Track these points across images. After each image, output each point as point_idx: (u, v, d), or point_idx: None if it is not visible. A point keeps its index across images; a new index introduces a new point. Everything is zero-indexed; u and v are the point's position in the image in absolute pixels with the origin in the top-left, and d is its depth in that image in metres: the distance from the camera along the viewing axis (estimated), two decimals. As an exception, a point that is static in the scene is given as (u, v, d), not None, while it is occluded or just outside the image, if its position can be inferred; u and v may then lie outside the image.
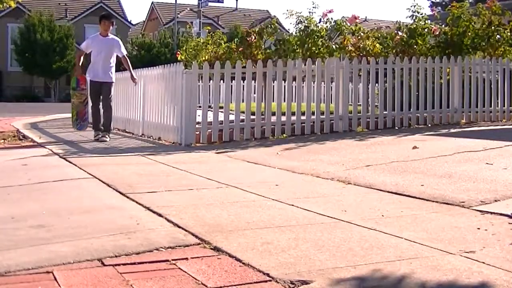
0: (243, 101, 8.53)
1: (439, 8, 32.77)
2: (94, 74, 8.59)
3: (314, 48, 9.83)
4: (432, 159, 5.58)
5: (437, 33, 10.31)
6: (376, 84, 9.43)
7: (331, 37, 10.47)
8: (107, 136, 8.60)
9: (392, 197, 4.09)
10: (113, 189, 4.54)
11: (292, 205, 3.87)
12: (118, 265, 2.64)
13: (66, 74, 38.04)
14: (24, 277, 2.51)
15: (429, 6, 40.64)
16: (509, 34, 10.35)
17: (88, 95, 8.85)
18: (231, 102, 8.63)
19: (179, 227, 3.30)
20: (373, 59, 9.16)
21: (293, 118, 8.50)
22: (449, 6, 10.67)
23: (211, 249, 2.87)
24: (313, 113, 8.62)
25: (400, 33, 10.23)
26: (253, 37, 10.18)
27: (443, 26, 10.74)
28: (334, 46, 9.97)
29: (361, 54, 9.69)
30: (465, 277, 2.39)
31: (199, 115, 7.98)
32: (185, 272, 2.54)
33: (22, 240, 3.05)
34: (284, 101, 9.24)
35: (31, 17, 36.29)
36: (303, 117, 8.55)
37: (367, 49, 9.78)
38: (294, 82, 8.87)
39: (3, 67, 39.09)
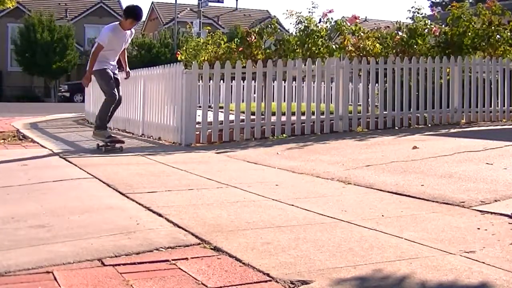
0: (243, 101, 8.53)
1: (439, 8, 32.81)
2: (110, 68, 7.21)
3: (314, 48, 9.83)
4: (432, 159, 5.58)
5: (437, 33, 10.31)
6: (376, 84, 9.43)
7: (331, 37, 10.48)
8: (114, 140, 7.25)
9: (392, 197, 4.09)
10: (113, 189, 4.54)
11: (292, 205, 3.87)
12: (118, 265, 2.64)
13: (66, 74, 38.07)
14: (24, 277, 2.51)
15: (429, 6, 40.71)
16: (509, 34, 10.36)
17: (107, 85, 7.04)
18: (231, 102, 8.63)
19: (179, 227, 3.30)
20: (373, 59, 9.16)
21: (293, 118, 8.50)
22: (449, 6, 10.68)
23: (211, 249, 2.87)
24: (313, 113, 8.62)
25: (400, 33, 10.24)
26: (253, 37, 10.19)
27: (443, 26, 10.74)
28: (334, 46, 9.97)
29: (361, 54, 9.70)
30: (465, 277, 2.39)
31: (199, 115, 7.98)
32: (185, 272, 2.54)
33: (22, 240, 3.05)
34: (284, 101, 9.23)
35: (31, 17, 36.27)
36: (303, 117, 8.55)
37: (367, 49, 9.79)
38: (294, 82, 8.87)
39: (3, 67, 39.09)
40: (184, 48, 14.44)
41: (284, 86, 9.93)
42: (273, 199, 4.07)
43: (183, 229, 3.25)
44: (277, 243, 2.93)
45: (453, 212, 3.57)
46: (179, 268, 2.59)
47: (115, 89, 7.07)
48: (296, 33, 10.26)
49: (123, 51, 7.49)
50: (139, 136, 9.26)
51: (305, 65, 8.72)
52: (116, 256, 2.76)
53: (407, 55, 9.65)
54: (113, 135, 7.37)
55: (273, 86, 8.81)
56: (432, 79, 9.26)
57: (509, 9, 10.64)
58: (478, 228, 3.15)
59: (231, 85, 8.96)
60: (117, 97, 7.10)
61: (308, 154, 6.47)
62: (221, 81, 9.25)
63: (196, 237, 3.07)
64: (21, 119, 13.69)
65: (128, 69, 7.77)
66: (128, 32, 7.25)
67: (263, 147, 7.28)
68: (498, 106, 9.87)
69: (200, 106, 8.38)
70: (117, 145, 7.14)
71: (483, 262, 2.56)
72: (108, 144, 7.09)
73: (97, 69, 7.06)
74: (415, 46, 10.04)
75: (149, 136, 9.02)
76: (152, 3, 47.51)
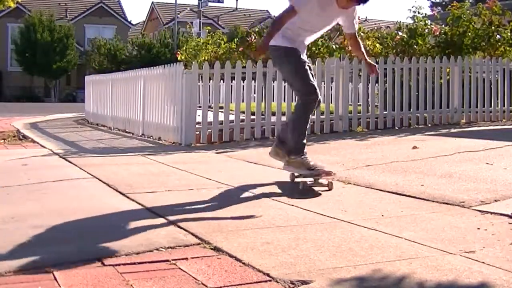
0: (243, 101, 8.53)
1: (439, 8, 32.78)
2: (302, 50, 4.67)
3: (314, 48, 9.84)
4: (432, 159, 5.57)
5: (437, 33, 10.32)
6: (376, 84, 9.43)
7: (331, 37, 10.49)
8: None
9: (392, 197, 4.09)
10: (113, 189, 4.54)
11: (292, 205, 3.86)
12: (118, 265, 2.64)
13: (66, 74, 38.08)
14: (24, 277, 2.51)
15: (429, 6, 40.73)
16: (509, 34, 10.36)
17: (301, 76, 4.57)
18: (231, 102, 8.62)
19: (179, 227, 3.30)
20: (373, 59, 9.15)
21: (293, 118, 8.48)
22: (449, 6, 10.69)
23: (211, 249, 2.87)
24: (313, 113, 8.60)
25: (400, 33, 10.24)
26: (253, 37, 10.21)
27: (443, 26, 10.75)
28: (334, 46, 9.98)
29: (361, 54, 9.69)
30: (465, 277, 2.39)
31: (199, 115, 7.98)
32: (185, 272, 2.54)
33: (22, 240, 3.05)
34: (284, 101, 9.23)
35: (31, 17, 36.29)
36: (303, 117, 8.54)
37: (367, 49, 9.79)
38: (294, 82, 8.85)
39: (3, 67, 39.09)
40: (184, 48, 14.47)
41: (284, 86, 9.93)
42: (273, 199, 4.07)
43: (183, 229, 3.25)
44: (277, 243, 2.93)
45: (453, 212, 3.57)
46: (179, 268, 2.59)
47: (313, 81, 4.61)
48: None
49: (355, 38, 4.75)
50: (139, 136, 9.27)
51: (305, 65, 8.70)
52: (116, 256, 2.76)
53: (407, 55, 9.66)
54: (312, 162, 4.54)
55: (273, 86, 8.81)
56: (432, 79, 9.26)
57: (509, 9, 10.65)
58: (478, 228, 3.15)
59: (231, 85, 8.96)
60: (319, 95, 4.66)
61: (308, 154, 6.45)
62: (221, 81, 9.25)
63: (196, 237, 3.07)
64: (21, 119, 13.70)
65: (369, 60, 4.87)
66: (345, 11, 4.44)
67: (263, 147, 7.28)
68: (498, 106, 9.87)
69: (200, 106, 8.38)
70: (323, 180, 4.43)
71: (483, 262, 2.56)
72: (313, 178, 4.47)
73: (281, 46, 4.49)
74: (415, 46, 10.05)
75: (149, 136, 9.02)
76: (152, 3, 47.51)
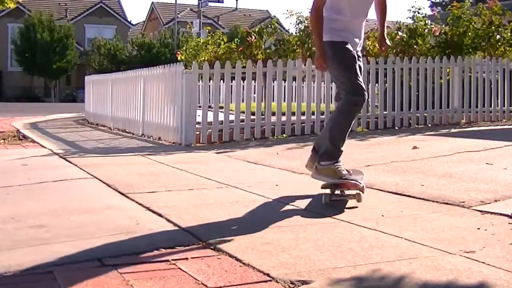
0: (243, 101, 8.53)
1: (439, 8, 32.78)
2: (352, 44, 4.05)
3: (314, 48, 9.82)
4: (432, 159, 5.57)
5: (437, 33, 10.32)
6: (376, 84, 9.43)
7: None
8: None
9: (392, 197, 4.09)
10: (113, 189, 4.54)
11: (293, 205, 3.86)
12: (118, 265, 2.64)
13: (66, 74, 38.10)
14: (25, 277, 2.51)
15: (429, 6, 40.70)
16: (509, 34, 10.36)
17: (349, 72, 3.92)
18: (231, 102, 8.63)
19: (179, 227, 3.30)
20: (373, 59, 9.16)
21: (293, 118, 8.50)
22: (449, 6, 10.69)
23: (211, 249, 2.87)
24: (313, 113, 8.61)
25: (400, 33, 10.24)
26: (253, 37, 10.21)
27: (443, 26, 10.75)
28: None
29: (361, 54, 9.69)
30: (465, 277, 2.39)
31: (199, 115, 7.98)
32: (185, 272, 2.54)
33: (22, 240, 3.05)
34: (284, 101, 9.24)
35: (31, 17, 36.31)
36: (303, 117, 8.55)
37: (367, 49, 9.78)
38: (294, 82, 8.87)
39: (3, 67, 39.10)
40: (184, 48, 14.47)
41: (284, 86, 9.93)
42: (273, 199, 4.07)
43: (183, 229, 3.25)
44: (277, 243, 2.93)
45: (453, 212, 3.57)
46: (179, 268, 2.59)
47: (362, 81, 3.98)
48: (296, 33, 10.27)
49: (383, 2, 4.37)
50: (139, 136, 9.27)
51: (305, 65, 8.71)
52: (116, 256, 2.76)
53: (407, 55, 9.65)
54: (345, 171, 3.98)
55: (273, 86, 8.81)
56: (432, 79, 9.26)
57: (509, 9, 10.64)
58: (478, 228, 3.15)
59: (231, 85, 8.96)
60: (366, 97, 4.00)
61: (308, 154, 6.43)
62: (221, 81, 9.25)
63: (196, 237, 3.07)
64: (21, 119, 13.70)
65: (387, 39, 4.35)
66: None
67: (263, 147, 7.28)
68: (498, 106, 9.86)
69: (200, 106, 8.38)
70: (350, 192, 3.87)
71: (483, 262, 2.55)
72: (337, 190, 3.91)
73: (328, 41, 3.96)
74: (415, 46, 10.05)
75: (149, 136, 9.02)
76: (152, 3, 47.52)
